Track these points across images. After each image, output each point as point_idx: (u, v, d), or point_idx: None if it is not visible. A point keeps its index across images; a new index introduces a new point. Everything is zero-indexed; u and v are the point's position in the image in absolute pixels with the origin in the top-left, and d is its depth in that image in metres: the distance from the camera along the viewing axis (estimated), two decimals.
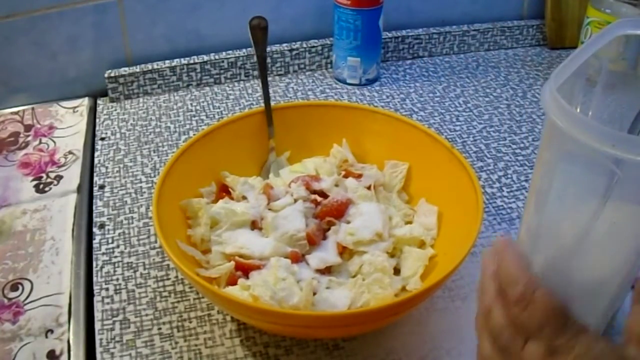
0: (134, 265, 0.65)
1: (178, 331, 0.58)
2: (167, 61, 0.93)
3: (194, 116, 0.88)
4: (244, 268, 0.58)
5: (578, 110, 0.48)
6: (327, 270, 0.59)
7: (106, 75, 0.90)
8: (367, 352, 0.56)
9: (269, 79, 0.95)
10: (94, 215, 0.71)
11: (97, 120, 0.88)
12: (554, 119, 0.37)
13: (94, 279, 0.63)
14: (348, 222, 0.62)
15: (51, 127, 0.85)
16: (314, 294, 0.56)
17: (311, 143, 0.73)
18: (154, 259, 0.65)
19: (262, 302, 0.52)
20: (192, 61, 0.93)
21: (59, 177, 0.76)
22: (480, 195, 0.58)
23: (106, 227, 0.69)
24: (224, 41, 0.96)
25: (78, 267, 0.65)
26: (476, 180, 0.60)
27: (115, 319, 0.59)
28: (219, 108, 0.90)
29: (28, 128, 0.85)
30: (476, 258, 0.66)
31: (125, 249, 0.67)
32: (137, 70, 0.91)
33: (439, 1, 1.04)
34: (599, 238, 0.40)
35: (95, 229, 0.69)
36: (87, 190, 0.75)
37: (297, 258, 0.59)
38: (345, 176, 0.69)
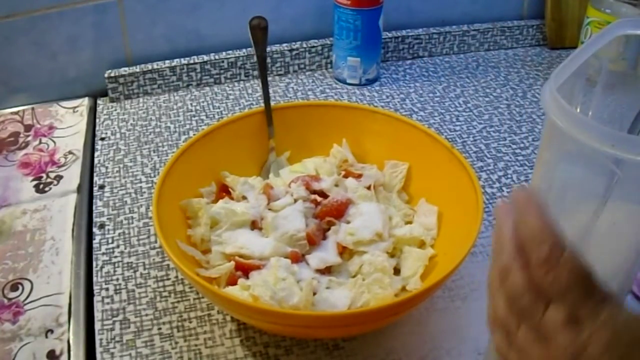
0: (134, 265, 0.65)
1: (178, 331, 0.58)
2: (167, 61, 0.93)
3: (194, 116, 0.88)
4: (244, 268, 0.58)
5: (578, 110, 0.48)
6: (327, 270, 0.59)
7: (106, 75, 0.90)
8: (367, 352, 0.56)
9: (269, 79, 0.95)
10: (94, 215, 0.71)
11: (97, 120, 0.88)
12: (554, 119, 0.38)
13: (94, 279, 0.63)
14: (348, 222, 0.62)
15: (51, 127, 0.85)
16: (314, 294, 0.56)
17: (311, 143, 0.73)
18: (154, 259, 0.65)
19: (262, 302, 0.52)
20: (192, 61, 0.93)
21: (59, 177, 0.76)
22: (480, 195, 0.58)
23: (106, 227, 0.69)
24: (224, 41, 0.96)
25: (78, 267, 0.65)
26: (476, 180, 0.60)
27: (115, 319, 0.59)
28: (219, 108, 0.90)
29: (28, 128, 0.85)
30: (476, 258, 0.66)
31: (125, 249, 0.67)
32: (137, 70, 0.91)
33: (439, 1, 1.04)
34: (599, 238, 0.40)
35: (95, 229, 0.69)
36: (87, 190, 0.75)
37: (297, 258, 0.59)
38: (345, 176, 0.69)
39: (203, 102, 0.91)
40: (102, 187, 0.75)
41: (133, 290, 0.62)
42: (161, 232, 0.54)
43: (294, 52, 0.98)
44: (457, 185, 0.62)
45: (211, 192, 0.67)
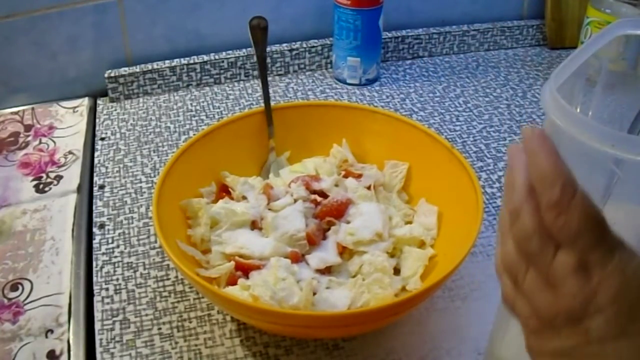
0: (134, 265, 0.65)
1: (178, 331, 0.58)
2: (167, 61, 0.93)
3: (194, 116, 0.88)
4: (244, 268, 0.58)
5: (578, 110, 0.48)
6: (327, 270, 0.59)
7: (106, 75, 0.90)
8: (367, 352, 0.56)
9: (269, 79, 0.95)
10: (94, 215, 0.71)
11: (97, 120, 0.88)
12: (554, 119, 0.38)
13: (94, 279, 0.63)
14: (348, 222, 0.62)
15: (51, 127, 0.85)
16: (314, 294, 0.56)
17: (311, 143, 0.73)
18: (154, 259, 0.65)
19: (262, 302, 0.52)
20: (192, 61, 0.93)
21: (59, 177, 0.76)
22: (480, 195, 0.58)
23: (106, 227, 0.69)
24: (224, 41, 0.96)
25: (78, 267, 0.65)
26: (476, 180, 0.60)
27: (115, 319, 0.59)
28: (219, 108, 0.90)
29: (28, 128, 0.85)
30: (476, 258, 0.66)
31: (125, 249, 0.67)
32: (137, 70, 0.91)
33: (439, 1, 1.04)
34: None
35: (95, 229, 0.69)
36: (87, 190, 0.75)
37: (297, 258, 0.59)
38: (345, 176, 0.69)
39: (203, 102, 0.91)
40: (102, 187, 0.75)
41: (133, 290, 0.62)
42: (161, 232, 0.54)
43: (294, 52, 0.98)
44: (457, 185, 0.62)
45: (211, 192, 0.67)
